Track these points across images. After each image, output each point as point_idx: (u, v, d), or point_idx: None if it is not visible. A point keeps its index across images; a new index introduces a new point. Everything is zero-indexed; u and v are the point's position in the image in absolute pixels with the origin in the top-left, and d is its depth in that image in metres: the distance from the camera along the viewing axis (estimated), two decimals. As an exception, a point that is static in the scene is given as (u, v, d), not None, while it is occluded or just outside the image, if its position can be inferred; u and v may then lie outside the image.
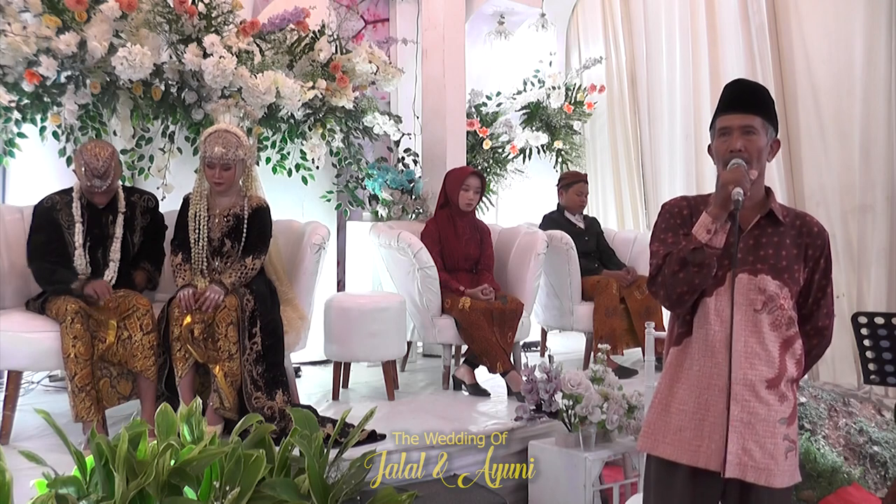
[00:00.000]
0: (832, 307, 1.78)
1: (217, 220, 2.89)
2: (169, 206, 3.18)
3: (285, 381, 2.82)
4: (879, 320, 2.00)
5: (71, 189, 2.86)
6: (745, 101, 1.71)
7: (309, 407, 2.89)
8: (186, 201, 2.94)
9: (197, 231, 2.86)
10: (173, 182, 3.43)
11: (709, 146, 1.79)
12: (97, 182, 2.74)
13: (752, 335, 1.67)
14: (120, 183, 2.92)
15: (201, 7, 3.34)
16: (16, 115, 3.13)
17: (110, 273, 2.82)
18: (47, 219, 2.81)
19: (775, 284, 1.68)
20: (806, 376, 4.15)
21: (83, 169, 2.72)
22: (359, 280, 4.53)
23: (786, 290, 1.68)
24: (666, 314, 4.37)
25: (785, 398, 1.67)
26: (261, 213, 2.93)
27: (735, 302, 1.67)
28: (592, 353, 3.96)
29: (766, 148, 1.71)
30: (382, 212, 4.35)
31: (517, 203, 5.57)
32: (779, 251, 1.70)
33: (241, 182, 2.93)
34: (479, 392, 3.57)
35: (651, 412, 1.80)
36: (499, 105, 5.57)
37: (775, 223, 1.72)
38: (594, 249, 4.47)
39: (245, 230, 2.89)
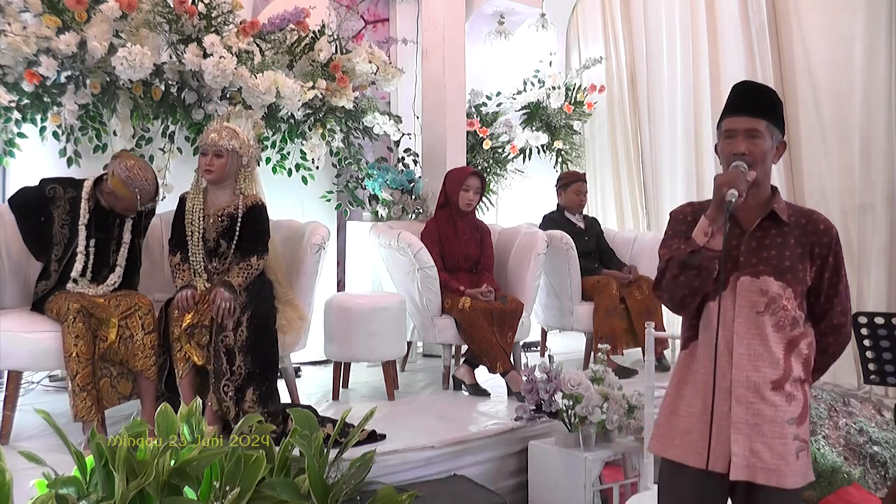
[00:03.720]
0: (847, 304, 1.75)
1: (212, 221, 2.88)
2: (169, 206, 3.19)
3: (268, 384, 2.77)
4: (879, 320, 2.00)
5: (77, 184, 2.85)
6: (751, 104, 1.71)
7: (309, 407, 2.89)
8: (182, 200, 2.94)
9: (192, 225, 2.86)
10: (173, 182, 3.43)
11: (715, 146, 1.79)
12: (150, 204, 2.88)
13: (756, 337, 1.67)
14: None
15: (201, 7, 3.34)
16: (16, 115, 3.13)
17: (114, 277, 2.83)
18: (39, 210, 2.81)
19: (778, 285, 1.67)
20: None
21: (138, 197, 2.76)
22: (359, 280, 4.53)
23: (789, 291, 1.68)
24: (666, 314, 4.38)
25: (793, 398, 1.67)
26: (255, 211, 2.89)
27: (737, 304, 1.68)
28: (592, 353, 3.96)
29: (770, 150, 1.71)
30: (382, 212, 4.35)
31: (517, 203, 5.56)
32: (782, 251, 1.69)
33: (238, 181, 2.91)
34: (479, 392, 3.57)
35: (660, 415, 1.81)
36: (499, 105, 5.57)
37: (778, 223, 1.72)
38: (594, 249, 4.47)
39: (239, 228, 2.86)
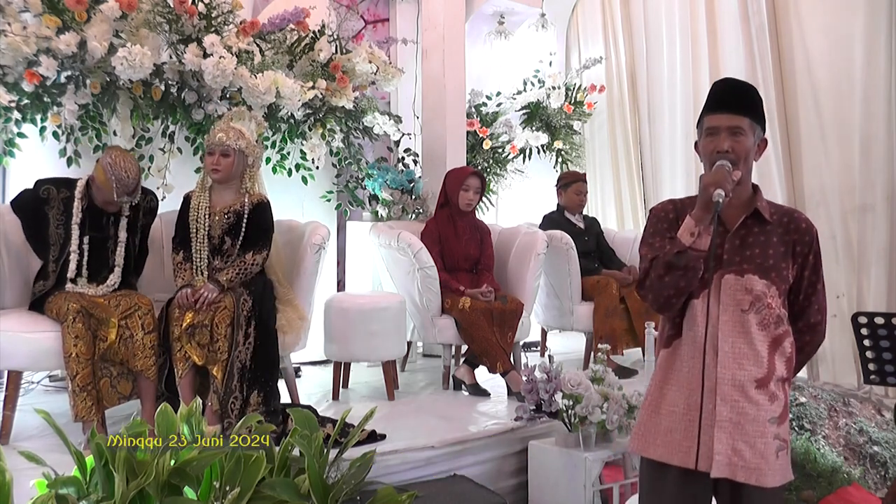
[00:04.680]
0: (824, 303, 1.78)
1: (217, 218, 2.90)
2: (169, 206, 3.19)
3: (270, 383, 2.79)
4: (879, 320, 2.00)
5: (71, 183, 2.84)
6: (734, 102, 1.71)
7: (309, 407, 2.89)
8: (187, 199, 2.96)
9: (197, 222, 2.87)
10: (173, 182, 3.44)
11: (695, 143, 1.79)
12: (126, 198, 2.78)
13: (740, 336, 1.67)
14: None
15: (201, 7, 3.34)
16: (16, 115, 3.13)
17: (114, 278, 2.82)
18: (35, 212, 2.80)
19: (762, 284, 1.68)
20: (805, 376, 4.18)
21: (114, 185, 2.70)
22: (359, 280, 4.53)
23: (773, 289, 1.68)
24: (665, 314, 4.38)
25: (775, 397, 1.67)
26: (261, 209, 2.93)
27: (721, 303, 1.69)
28: (592, 353, 3.96)
29: (753, 148, 1.71)
30: (382, 212, 4.35)
31: (517, 203, 5.57)
32: (765, 250, 1.70)
33: (243, 181, 2.93)
34: (479, 392, 3.57)
35: (642, 413, 1.81)
36: (499, 105, 5.57)
37: (762, 222, 1.72)
38: (594, 249, 4.47)
39: (244, 226, 2.89)
